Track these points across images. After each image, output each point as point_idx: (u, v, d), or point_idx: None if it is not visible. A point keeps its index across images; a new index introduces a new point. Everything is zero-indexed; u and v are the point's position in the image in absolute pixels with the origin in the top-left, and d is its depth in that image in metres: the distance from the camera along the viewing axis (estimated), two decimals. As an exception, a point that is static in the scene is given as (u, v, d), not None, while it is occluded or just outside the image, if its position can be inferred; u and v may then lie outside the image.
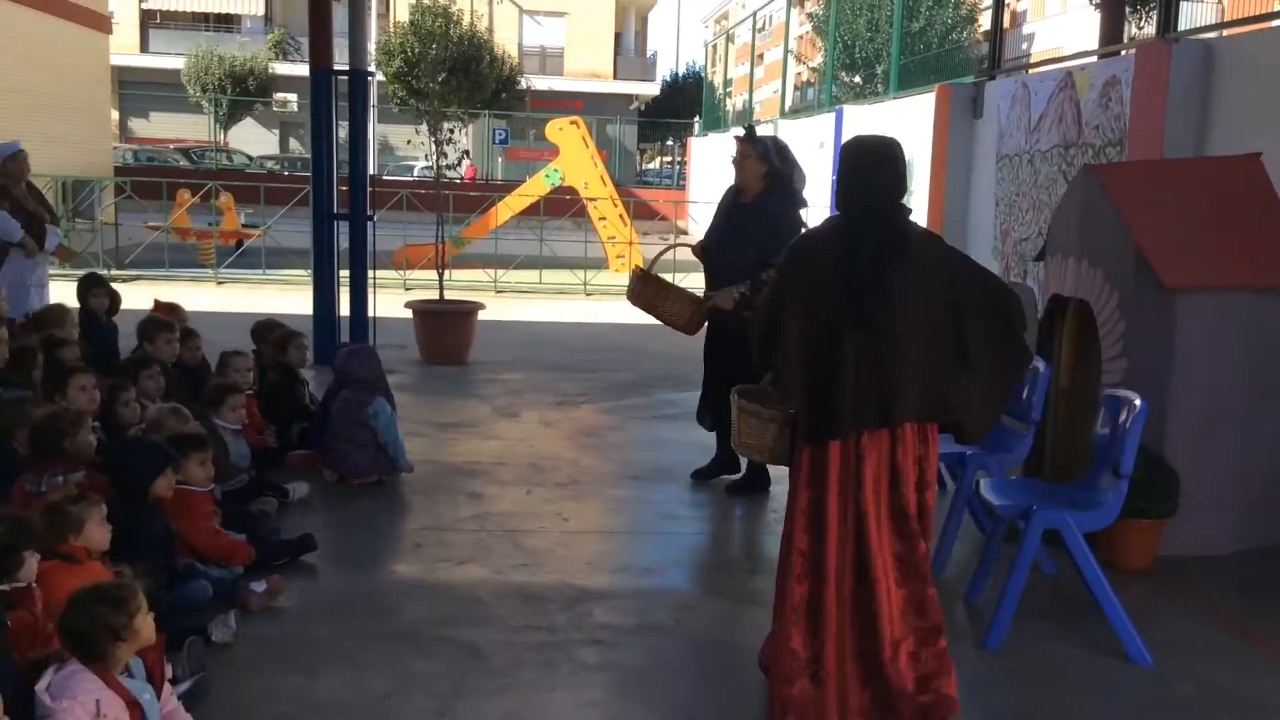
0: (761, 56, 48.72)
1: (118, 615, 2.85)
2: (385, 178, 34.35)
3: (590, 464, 6.48)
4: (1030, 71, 10.01)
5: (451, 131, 10.05)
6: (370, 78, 8.90)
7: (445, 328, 9.48)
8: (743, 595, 4.59)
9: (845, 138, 14.46)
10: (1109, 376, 5.24)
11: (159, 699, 2.97)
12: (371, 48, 41.04)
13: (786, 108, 20.74)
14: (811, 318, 3.43)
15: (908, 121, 12.73)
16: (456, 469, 6.23)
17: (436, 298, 9.82)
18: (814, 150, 16.62)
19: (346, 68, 8.81)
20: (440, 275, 9.81)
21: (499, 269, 15.02)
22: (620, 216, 18.05)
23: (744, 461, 5.99)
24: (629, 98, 46.34)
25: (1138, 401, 4.06)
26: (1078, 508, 4.12)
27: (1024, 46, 35.62)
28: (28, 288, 7.24)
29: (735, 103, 35.24)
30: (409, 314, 9.65)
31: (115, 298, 7.06)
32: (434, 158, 9.86)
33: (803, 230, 4.50)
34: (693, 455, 6.41)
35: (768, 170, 5.69)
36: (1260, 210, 5.32)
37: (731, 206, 5.88)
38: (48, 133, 20.40)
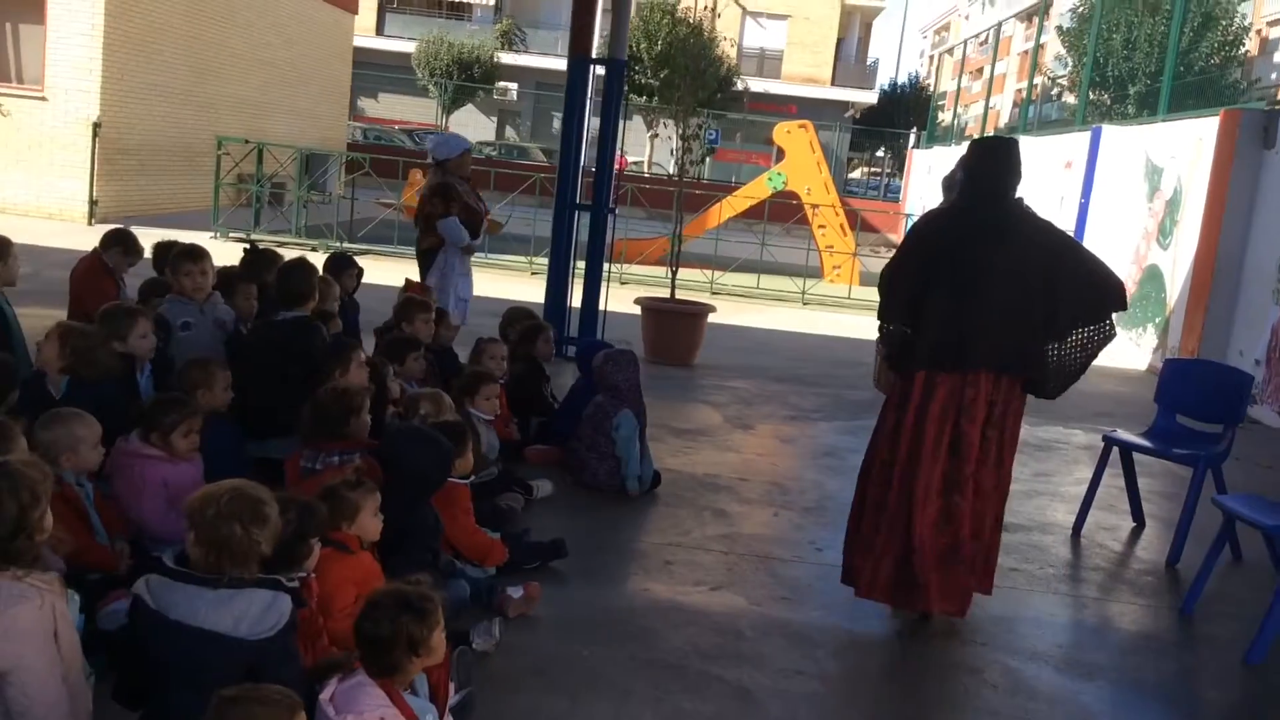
0: (980, 71, 47.13)
1: (420, 627, 2.61)
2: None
3: (836, 488, 6.04)
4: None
5: (698, 128, 9.68)
6: (626, 66, 8.68)
7: (676, 328, 9.21)
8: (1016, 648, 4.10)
9: (1103, 159, 13.55)
10: None
11: (440, 720, 2.71)
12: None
13: (1026, 124, 19.67)
14: (919, 280, 4.21)
15: (1178, 147, 11.77)
16: (698, 481, 5.91)
17: (667, 296, 9.55)
18: (1059, 170, 15.69)
19: (603, 56, 8.62)
20: (674, 274, 9.54)
21: (716, 269, 14.70)
22: (841, 226, 17.49)
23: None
24: (845, 105, 45.43)
25: None
26: None
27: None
28: (457, 277, 7.41)
29: (950, 116, 34.19)
30: (633, 310, 9.42)
31: (360, 275, 7.03)
32: (678, 153, 9.54)
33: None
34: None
35: None
36: None
37: None
38: (293, 105, 21.30)
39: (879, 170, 52.43)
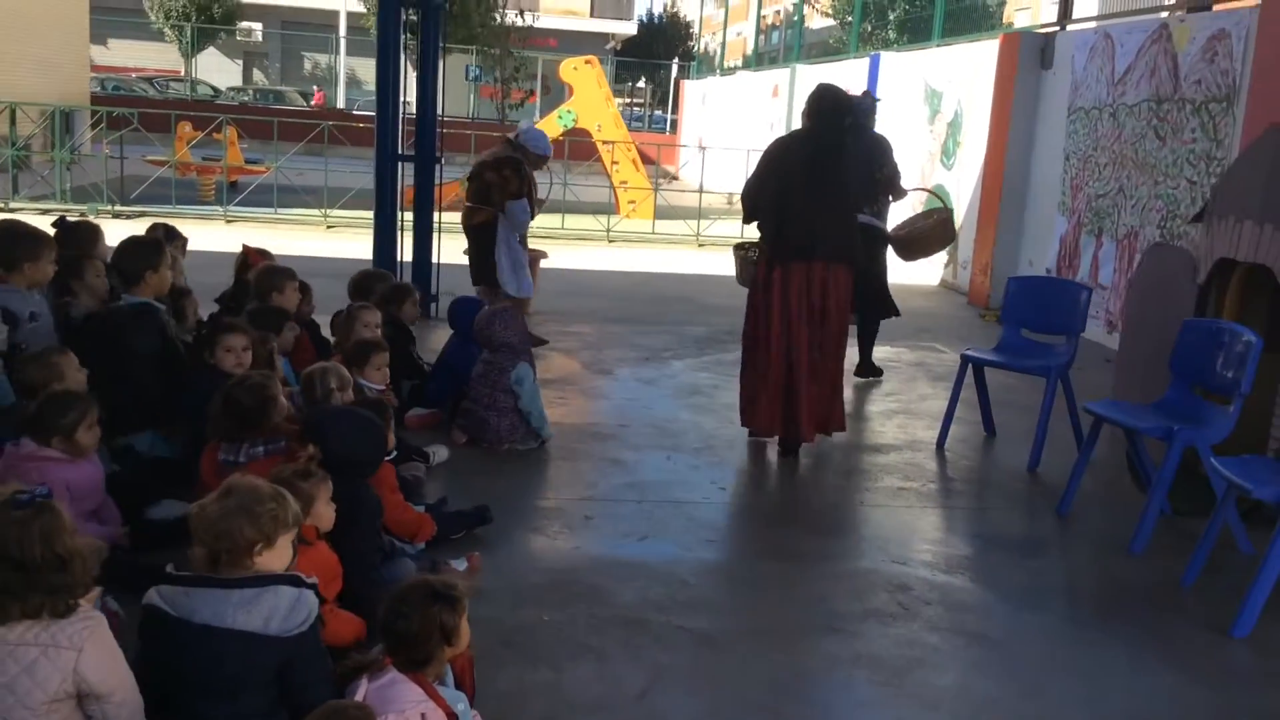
0: (726, -1, 48.08)
1: (452, 615, 2.53)
2: (356, 112, 33.49)
3: (714, 426, 6.18)
4: (1114, 22, 9.70)
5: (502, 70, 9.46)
6: (443, 9, 8.39)
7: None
8: (958, 563, 4.35)
9: (883, 85, 14.11)
10: (1297, 347, 5.03)
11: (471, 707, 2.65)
12: (352, -22, 39.90)
13: (800, 53, 20.26)
14: (776, 192, 5.48)
15: (957, 70, 12.41)
16: (583, 432, 5.91)
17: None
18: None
19: (416, -1, 8.30)
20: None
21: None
22: (634, 161, 17.61)
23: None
24: (605, 36, 45.50)
25: None
26: (1342, 491, 3.91)
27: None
28: (517, 254, 7.68)
29: (708, 44, 34.86)
30: (463, 260, 9.22)
31: (185, 245, 6.57)
32: (499, 97, 9.30)
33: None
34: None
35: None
36: None
37: None
38: (19, 55, 19.38)
39: (642, 102, 52.86)
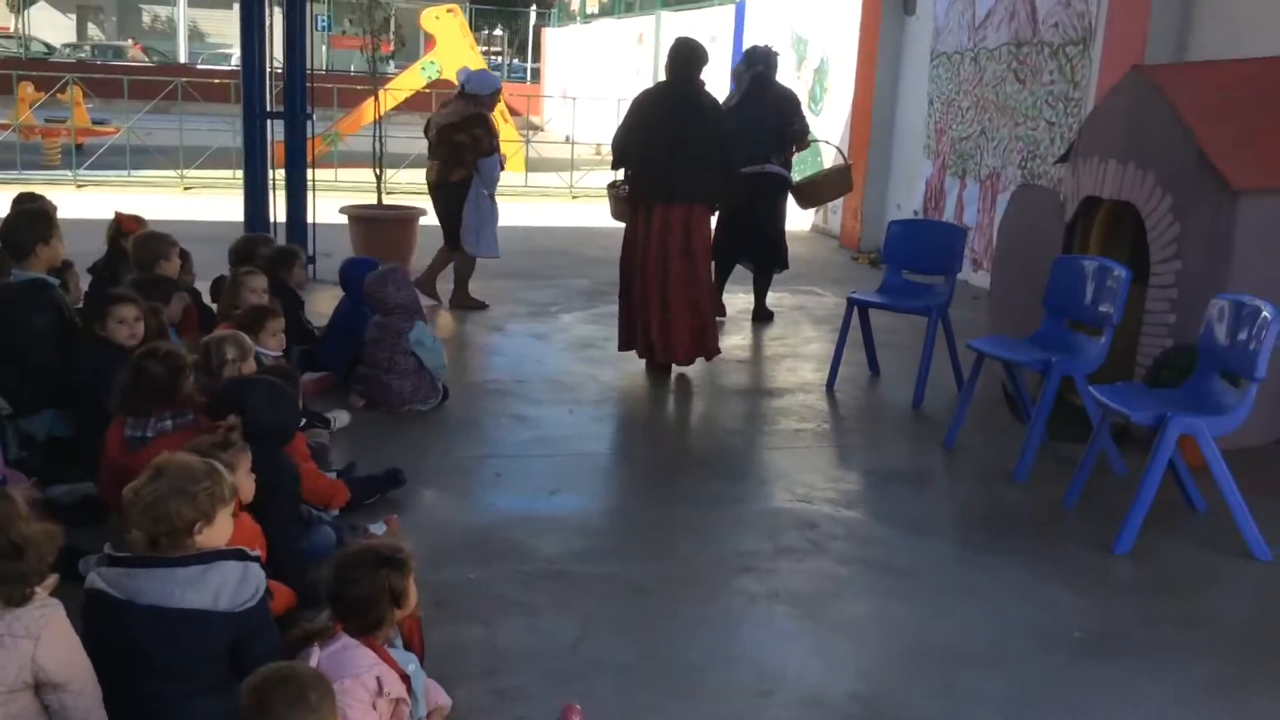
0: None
1: (400, 577, 2.55)
2: (201, 66, 32.20)
3: (611, 378, 6.26)
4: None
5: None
6: (307, -38, 8.15)
7: (387, 235, 8.94)
8: (851, 499, 4.54)
9: (748, 32, 14.25)
10: (1160, 278, 5.34)
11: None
12: (190, -74, 38.09)
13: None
14: (642, 140, 6.06)
15: (823, 17, 12.62)
16: (482, 389, 5.93)
17: (375, 203, 9.24)
18: (705, 44, 16.33)
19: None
20: (380, 178, 9.23)
21: (389, 168, 14.26)
22: (501, 113, 17.38)
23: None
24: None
25: (1268, 313, 4.11)
26: (1209, 414, 4.20)
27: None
28: (490, 213, 7.76)
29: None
30: (339, 220, 9.05)
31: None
32: (368, 50, 9.09)
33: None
34: (697, 365, 6.31)
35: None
36: (1301, 112, 5.46)
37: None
38: None
39: (500, 51, 52.05)
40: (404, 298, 5.41)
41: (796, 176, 8.11)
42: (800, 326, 7.78)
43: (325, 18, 38.58)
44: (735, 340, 7.35)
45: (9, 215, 4.65)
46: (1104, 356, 4.95)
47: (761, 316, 7.84)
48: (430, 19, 17.09)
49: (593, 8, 33.29)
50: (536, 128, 22.94)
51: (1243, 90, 5.43)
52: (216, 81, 18.01)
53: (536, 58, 40.89)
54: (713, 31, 16.10)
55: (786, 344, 7.30)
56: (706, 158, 6.04)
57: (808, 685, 3.21)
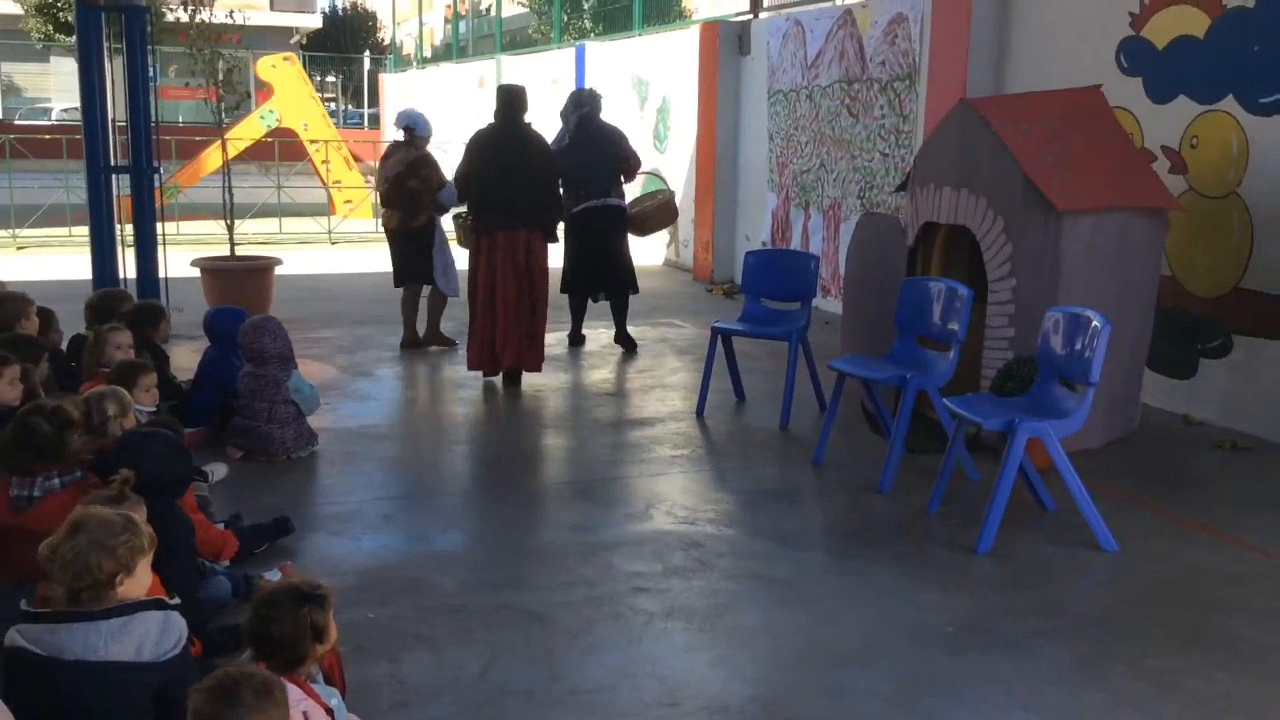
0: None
1: (322, 613, 2.61)
2: (19, 122, 30.89)
3: (485, 416, 6.35)
4: (802, 9, 10.49)
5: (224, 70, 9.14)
6: (148, 13, 8.03)
7: (243, 286, 8.81)
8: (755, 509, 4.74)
9: (590, 74, 14.55)
10: (997, 295, 5.75)
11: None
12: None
13: (502, 45, 20.42)
14: (479, 175, 6.82)
15: (661, 59, 13.00)
16: (358, 434, 5.94)
17: (228, 254, 9.11)
18: (547, 86, 16.59)
19: (118, 3, 7.90)
20: (230, 230, 9.12)
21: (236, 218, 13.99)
22: (345, 160, 17.29)
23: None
24: (289, 30, 43.88)
25: (1098, 322, 4.50)
26: (1052, 418, 4.55)
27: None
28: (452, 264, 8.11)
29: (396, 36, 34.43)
30: (190, 273, 8.89)
31: None
32: (214, 101, 8.95)
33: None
34: (561, 398, 6.44)
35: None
36: (1111, 137, 5.98)
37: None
38: None
39: (334, 97, 51.35)
40: (280, 346, 5.41)
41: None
42: (664, 358, 8.01)
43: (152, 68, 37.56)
44: (603, 374, 7.53)
45: None
46: (953, 370, 5.31)
47: (625, 342, 8.14)
48: (266, 67, 16.90)
49: (427, 52, 33.29)
50: (374, 171, 22.79)
51: (1057, 118, 5.91)
52: (47, 137, 17.37)
53: (373, 103, 40.60)
54: (554, 74, 16.38)
55: (653, 375, 7.51)
56: (538, 188, 6.81)
57: (709, 694, 3.37)
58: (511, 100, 6.92)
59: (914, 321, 5.57)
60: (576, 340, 8.30)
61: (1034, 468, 4.89)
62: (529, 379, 7.05)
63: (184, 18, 8.65)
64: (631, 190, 9.45)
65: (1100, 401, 5.75)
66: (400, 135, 8.05)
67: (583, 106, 8.07)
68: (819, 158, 10.08)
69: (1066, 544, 4.60)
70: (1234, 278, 6.24)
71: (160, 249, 8.25)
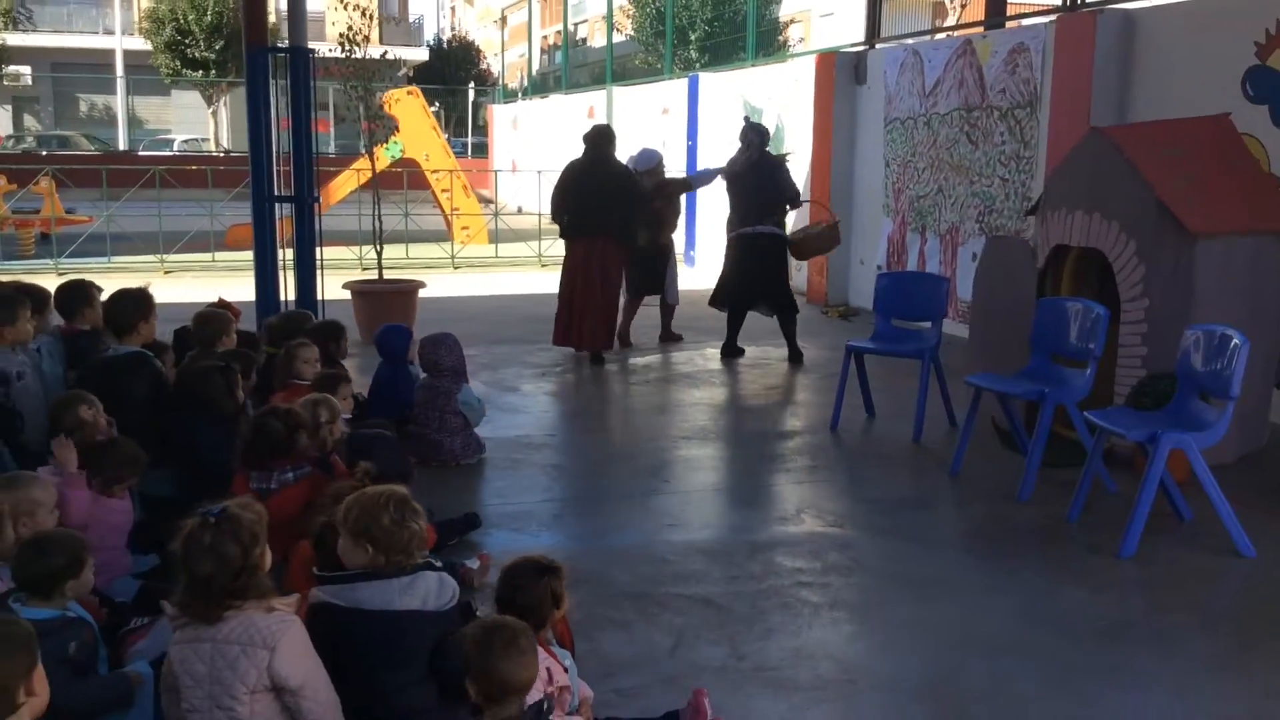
0: (505, 19, 48.78)
1: (559, 582, 3.01)
2: (143, 153, 32.42)
3: (637, 430, 6.75)
4: (920, 40, 10.77)
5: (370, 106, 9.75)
6: (311, 54, 8.65)
7: (390, 307, 9.36)
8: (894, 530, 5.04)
9: (704, 103, 14.97)
10: (1130, 315, 5.97)
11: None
12: (135, 16, 38.44)
13: (613, 75, 21.01)
14: (571, 193, 8.52)
15: (774, 88, 13.37)
16: (517, 443, 6.37)
17: (375, 277, 9.68)
18: (658, 116, 17.09)
19: (285, 45, 8.53)
20: (379, 253, 9.69)
21: (364, 245, 14.70)
22: (464, 188, 17.96)
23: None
24: (398, 63, 45.26)
25: (1237, 339, 4.73)
26: (1194, 431, 4.78)
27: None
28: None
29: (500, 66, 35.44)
30: (342, 295, 9.48)
31: None
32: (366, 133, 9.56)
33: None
34: (702, 411, 6.82)
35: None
36: (1240, 162, 6.18)
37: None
38: None
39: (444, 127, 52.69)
40: (454, 361, 5.86)
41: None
42: (792, 376, 8.34)
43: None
44: (738, 389, 7.88)
45: (113, 297, 5.06)
46: (1090, 386, 5.55)
47: (795, 358, 8.73)
48: (392, 101, 17.67)
49: (519, 83, 34.17)
50: (489, 201, 23.54)
51: (1186, 145, 6.12)
52: (193, 169, 18.35)
53: (476, 133, 41.71)
54: (665, 103, 16.87)
55: (784, 391, 7.85)
56: (613, 207, 8.35)
57: (882, 675, 3.69)
58: (598, 138, 8.64)
59: (1050, 339, 5.83)
60: (731, 352, 8.84)
61: (1172, 479, 5.10)
62: (683, 395, 7.45)
63: (338, 53, 9.26)
64: (802, 217, 10.15)
65: (1234, 419, 5.95)
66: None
67: (761, 140, 8.80)
68: (936, 183, 10.33)
69: (1205, 550, 4.81)
70: (1365, 298, 6.36)
71: (319, 273, 8.82)
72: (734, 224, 8.67)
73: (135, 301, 4.95)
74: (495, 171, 26.06)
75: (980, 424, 6.42)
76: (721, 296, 8.86)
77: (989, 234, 9.38)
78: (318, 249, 8.87)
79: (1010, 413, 6.05)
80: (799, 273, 12.60)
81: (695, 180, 10.17)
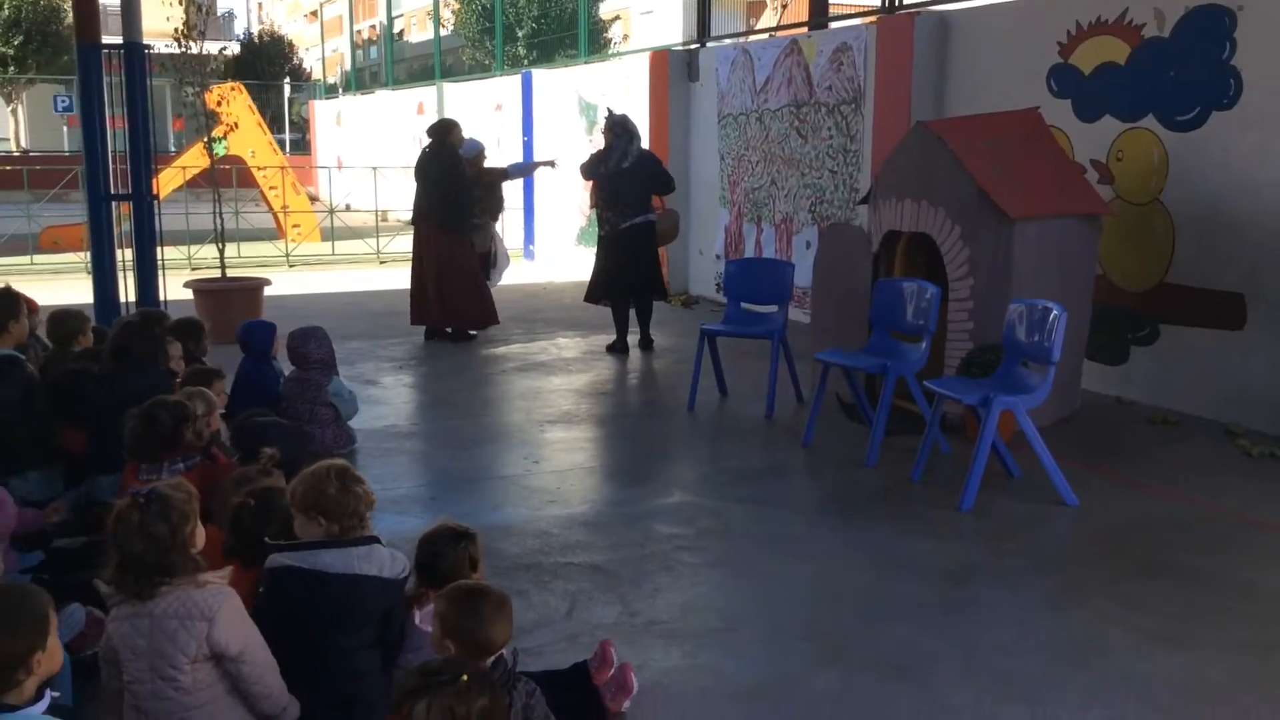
0: (320, 12, 47.78)
1: (476, 548, 3.21)
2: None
3: (497, 415, 6.92)
4: (749, 39, 11.25)
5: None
6: (147, 49, 8.46)
7: (234, 306, 9.25)
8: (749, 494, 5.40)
9: (539, 100, 15.18)
10: (957, 293, 6.49)
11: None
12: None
13: (443, 72, 20.93)
14: (418, 181, 9.36)
15: (609, 84, 13.68)
16: (385, 433, 6.47)
17: (217, 276, 9.53)
18: (491, 113, 17.18)
19: (119, 41, 8.34)
20: (221, 250, 9.54)
21: (191, 245, 14.34)
22: (293, 185, 17.66)
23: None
24: (208, 58, 43.69)
25: (1056, 311, 5.27)
26: (1021, 394, 5.29)
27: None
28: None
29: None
30: (184, 295, 9.31)
31: None
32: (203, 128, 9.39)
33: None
34: (563, 397, 7.06)
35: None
36: (1049, 151, 6.80)
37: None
38: None
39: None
40: (324, 353, 5.92)
41: None
42: (643, 361, 8.66)
43: (66, 96, 37.22)
44: (592, 375, 8.13)
45: None
46: (926, 358, 6.04)
47: (646, 344, 9.00)
48: (214, 99, 17.16)
49: (345, 78, 33.58)
50: (312, 197, 23.09)
51: (1002, 137, 6.69)
52: (7, 169, 17.47)
53: (293, 129, 40.72)
54: (498, 100, 16.98)
55: (639, 375, 8.16)
56: (442, 194, 9.16)
57: (764, 621, 4.02)
58: (433, 130, 9.47)
59: (889, 317, 6.30)
60: (619, 348, 8.94)
61: (1001, 440, 5.62)
62: (541, 383, 7.65)
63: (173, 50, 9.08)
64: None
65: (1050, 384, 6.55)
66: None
67: (636, 135, 8.91)
68: (770, 176, 10.83)
69: (1035, 501, 5.33)
70: (1159, 274, 7.11)
71: (160, 273, 8.64)
72: (613, 220, 8.84)
73: (3, 302, 4.86)
74: (320, 169, 25.64)
75: (826, 400, 6.88)
76: (600, 292, 9.03)
77: (821, 223, 9.92)
78: (158, 248, 8.71)
79: (854, 386, 6.50)
80: (638, 264, 12.96)
81: (513, 171, 10.62)
